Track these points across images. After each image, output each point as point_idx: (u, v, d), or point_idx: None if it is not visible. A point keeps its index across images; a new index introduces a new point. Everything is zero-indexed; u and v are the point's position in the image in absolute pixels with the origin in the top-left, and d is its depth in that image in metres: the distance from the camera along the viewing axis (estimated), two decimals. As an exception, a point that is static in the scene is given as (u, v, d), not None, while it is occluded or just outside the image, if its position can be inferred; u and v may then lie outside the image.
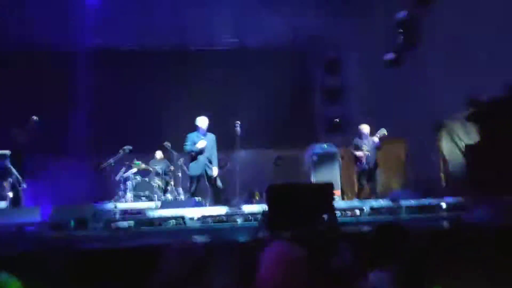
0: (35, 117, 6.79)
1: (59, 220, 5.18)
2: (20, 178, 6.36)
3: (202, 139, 7.07)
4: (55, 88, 9.12)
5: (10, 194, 6.20)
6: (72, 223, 5.05)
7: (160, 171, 8.69)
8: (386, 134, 7.52)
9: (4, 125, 7.28)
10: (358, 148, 7.70)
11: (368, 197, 7.40)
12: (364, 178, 7.66)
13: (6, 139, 6.83)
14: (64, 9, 8.50)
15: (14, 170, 6.31)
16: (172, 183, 8.73)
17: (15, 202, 6.31)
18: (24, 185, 6.40)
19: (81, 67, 9.26)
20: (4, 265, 2.40)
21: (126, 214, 6.10)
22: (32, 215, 5.48)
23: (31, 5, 8.34)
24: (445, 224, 4.20)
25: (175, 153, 8.73)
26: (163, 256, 2.39)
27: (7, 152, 6.37)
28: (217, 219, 5.46)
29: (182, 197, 8.46)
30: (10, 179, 6.23)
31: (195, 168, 7.12)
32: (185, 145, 7.16)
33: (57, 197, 7.87)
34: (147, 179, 8.50)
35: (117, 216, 5.83)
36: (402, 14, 8.53)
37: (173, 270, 2.32)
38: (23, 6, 8.30)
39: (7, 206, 6.28)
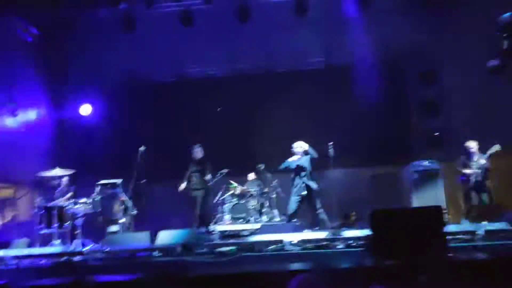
0: (142, 147, 7.30)
1: (166, 245, 5.46)
2: (131, 204, 6.87)
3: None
4: (158, 116, 9.83)
5: (123, 219, 6.72)
6: (179, 248, 5.29)
7: (255, 193, 8.82)
8: (500, 150, 6.89)
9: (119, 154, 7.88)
10: (466, 167, 7.16)
11: (479, 218, 6.79)
12: (473, 197, 7.07)
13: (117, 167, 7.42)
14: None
15: (126, 197, 6.83)
16: (267, 204, 8.81)
17: (126, 227, 6.82)
18: (135, 211, 6.88)
19: (182, 96, 9.96)
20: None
21: (227, 238, 6.25)
22: (142, 240, 5.86)
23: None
24: None
25: (268, 175, 8.82)
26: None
27: (119, 181, 6.93)
28: (317, 244, 5.36)
29: (277, 219, 8.50)
30: (122, 206, 6.76)
31: (297, 189, 7.19)
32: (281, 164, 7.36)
33: (159, 222, 8.26)
34: (243, 201, 8.67)
35: (219, 240, 5.99)
36: (506, 16, 7.86)
37: None
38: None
39: (119, 230, 6.80)
